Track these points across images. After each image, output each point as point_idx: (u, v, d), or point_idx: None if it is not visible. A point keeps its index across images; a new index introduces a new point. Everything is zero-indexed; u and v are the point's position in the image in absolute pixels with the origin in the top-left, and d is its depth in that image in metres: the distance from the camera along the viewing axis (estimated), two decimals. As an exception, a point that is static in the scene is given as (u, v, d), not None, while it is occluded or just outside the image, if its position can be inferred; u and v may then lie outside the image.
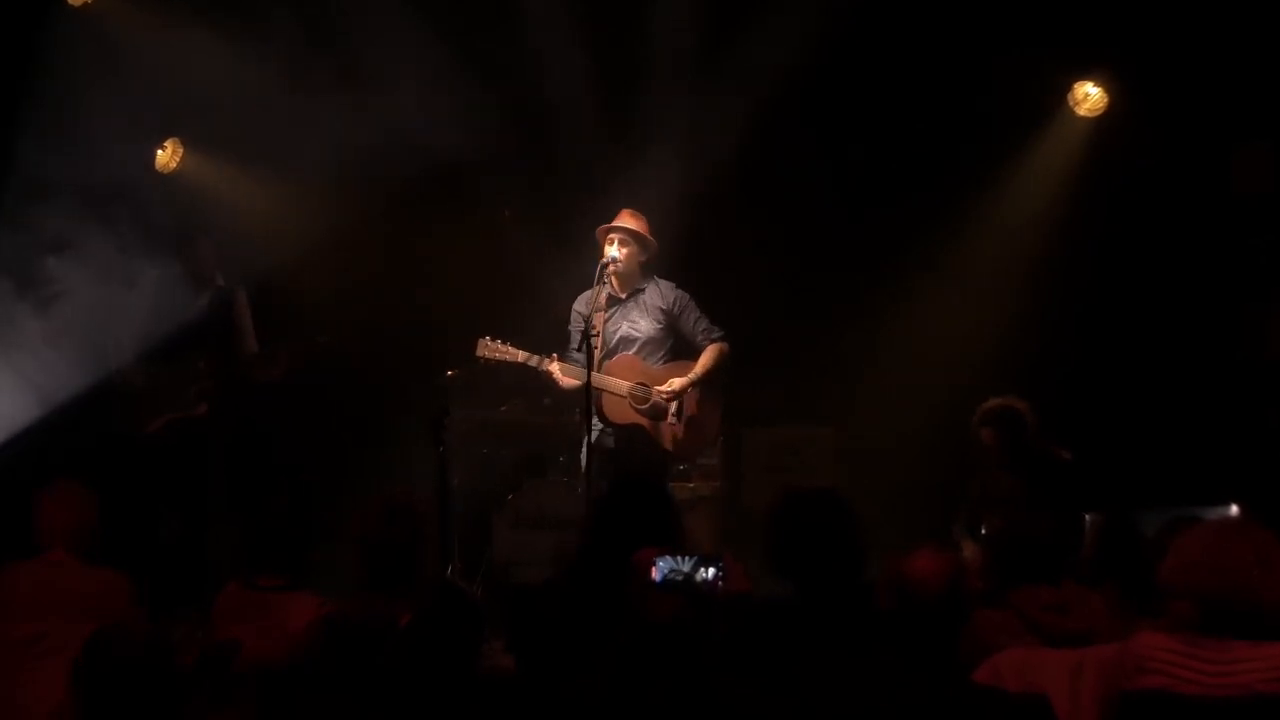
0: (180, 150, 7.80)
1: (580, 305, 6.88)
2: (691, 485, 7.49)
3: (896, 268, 7.94)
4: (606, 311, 6.81)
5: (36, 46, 7.32)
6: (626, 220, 6.84)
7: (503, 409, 7.55)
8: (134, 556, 5.17)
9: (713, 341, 6.89)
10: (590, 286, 6.82)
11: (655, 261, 7.00)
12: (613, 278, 6.77)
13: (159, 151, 7.78)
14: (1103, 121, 7.78)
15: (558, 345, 6.92)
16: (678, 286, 6.96)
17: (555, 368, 6.71)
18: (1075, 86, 7.80)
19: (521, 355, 6.69)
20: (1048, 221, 7.82)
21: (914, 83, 7.77)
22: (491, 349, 6.69)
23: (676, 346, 6.94)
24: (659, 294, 6.89)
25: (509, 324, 6.96)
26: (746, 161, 7.91)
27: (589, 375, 6.41)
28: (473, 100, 7.71)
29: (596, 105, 7.90)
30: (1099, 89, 7.74)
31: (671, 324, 6.89)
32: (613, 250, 6.75)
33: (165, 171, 7.80)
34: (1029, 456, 6.30)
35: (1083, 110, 7.82)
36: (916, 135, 7.82)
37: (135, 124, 7.36)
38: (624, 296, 6.87)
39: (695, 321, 6.90)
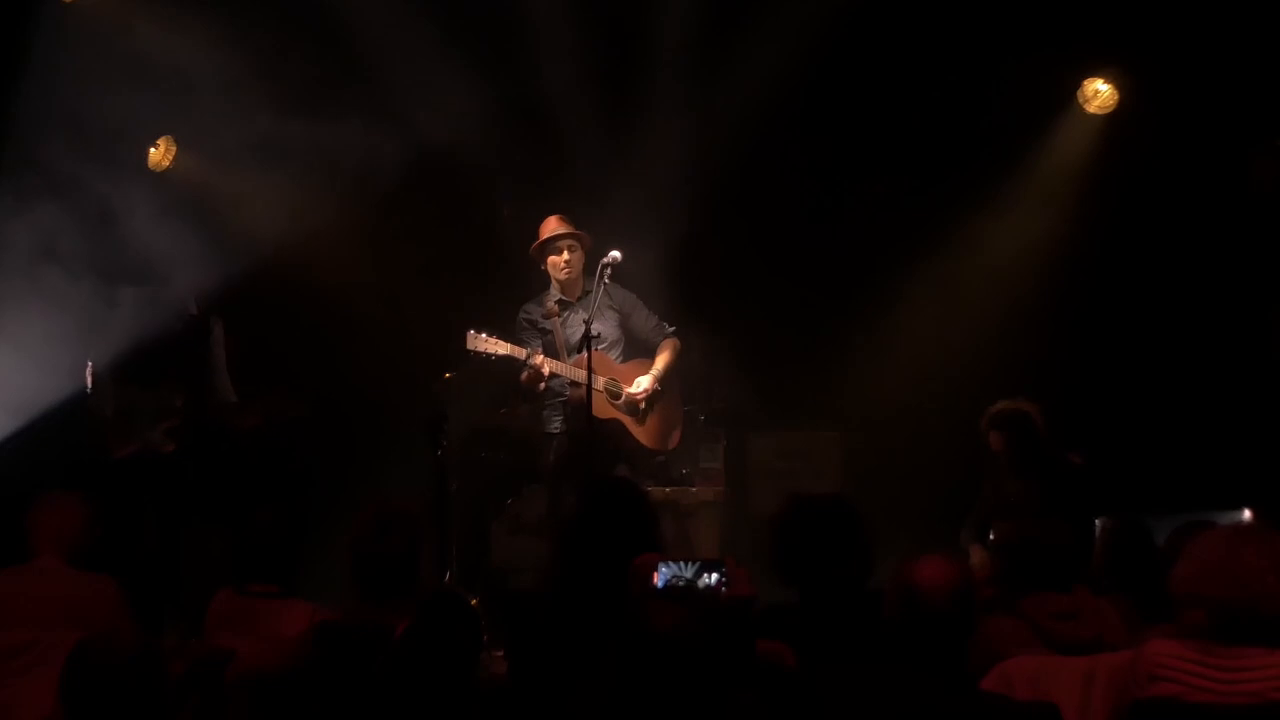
0: (173, 148, 7.72)
1: (530, 312, 6.97)
2: (695, 490, 7.46)
3: (903, 269, 7.90)
4: (560, 315, 6.91)
5: (29, 43, 7.25)
6: (561, 226, 6.91)
7: (502, 411, 7.51)
8: (119, 563, 5.11)
9: (667, 337, 7.02)
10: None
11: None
12: (561, 283, 6.90)
13: (151, 150, 7.69)
14: (1113, 119, 7.73)
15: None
16: (623, 287, 7.01)
17: (543, 360, 6.71)
18: (1085, 83, 7.76)
19: (507, 348, 6.71)
20: (1057, 221, 7.76)
21: (921, 81, 7.75)
22: (479, 341, 6.68)
23: (629, 343, 7.01)
24: (607, 295, 6.89)
25: (509, 324, 6.93)
26: (749, 162, 7.89)
27: (589, 375, 6.39)
28: (473, 100, 7.69)
29: (596, 105, 7.87)
30: (1109, 86, 7.70)
31: (624, 323, 6.98)
32: (615, 253, 6.69)
33: (158, 170, 7.72)
34: (1039, 461, 6.24)
35: (1093, 107, 7.79)
36: (923, 134, 7.78)
37: (128, 122, 7.28)
38: (574, 300, 6.92)
39: (646, 319, 7.04)
